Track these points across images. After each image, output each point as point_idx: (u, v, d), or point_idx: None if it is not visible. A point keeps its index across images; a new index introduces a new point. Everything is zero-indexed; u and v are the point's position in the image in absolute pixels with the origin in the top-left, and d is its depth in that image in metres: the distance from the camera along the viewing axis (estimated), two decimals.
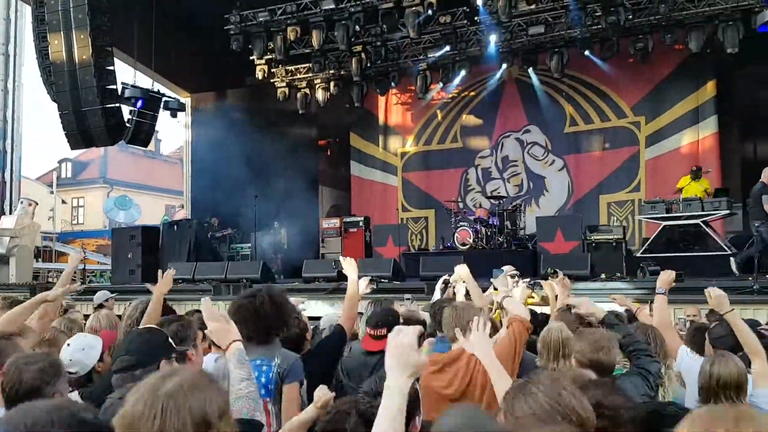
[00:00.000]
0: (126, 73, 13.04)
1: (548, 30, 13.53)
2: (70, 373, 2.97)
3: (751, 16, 11.57)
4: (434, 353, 3.53)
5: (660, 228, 11.19)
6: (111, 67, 11.83)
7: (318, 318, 5.34)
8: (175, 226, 14.47)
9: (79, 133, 11.87)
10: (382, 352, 3.21)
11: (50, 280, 19.21)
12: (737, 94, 14.01)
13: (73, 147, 12.64)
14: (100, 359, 3.23)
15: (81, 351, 3.16)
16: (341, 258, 4.55)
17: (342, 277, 10.48)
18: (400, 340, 1.85)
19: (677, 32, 12.98)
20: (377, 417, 1.74)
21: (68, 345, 3.19)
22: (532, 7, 12.52)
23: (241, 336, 2.44)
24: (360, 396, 2.19)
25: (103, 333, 3.65)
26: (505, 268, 6.35)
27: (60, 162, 36.15)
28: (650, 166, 14.62)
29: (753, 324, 4.06)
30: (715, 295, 3.55)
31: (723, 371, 2.95)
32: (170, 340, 2.56)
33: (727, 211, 10.88)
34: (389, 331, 3.23)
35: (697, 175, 11.71)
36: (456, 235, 12.83)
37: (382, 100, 17.34)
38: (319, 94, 15.99)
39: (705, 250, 10.71)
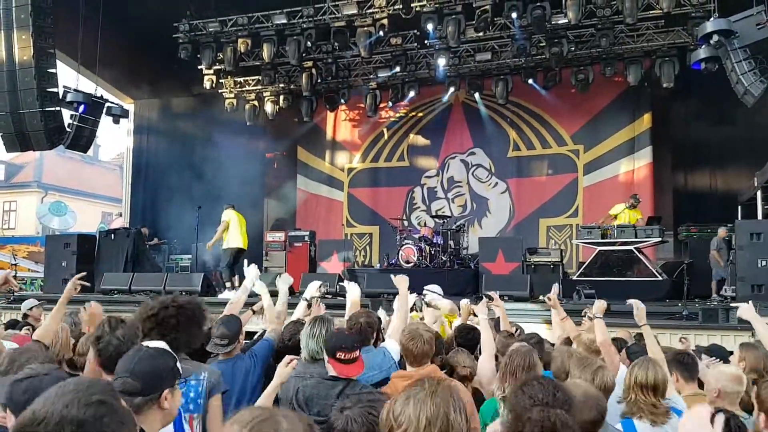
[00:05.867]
0: (69, 77, 12.69)
1: (494, 57, 13.97)
2: None
3: (686, 53, 12.16)
4: (402, 371, 3.61)
5: (595, 253, 11.57)
6: (53, 70, 11.46)
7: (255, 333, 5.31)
8: (112, 235, 14.08)
9: (16, 136, 11.42)
10: (348, 380, 3.19)
11: None
12: (671, 127, 14.68)
13: (9, 150, 12.17)
14: None
15: None
16: (392, 276, 4.71)
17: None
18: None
19: (617, 65, 13.62)
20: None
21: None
22: (480, 34, 12.84)
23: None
24: None
25: (18, 339, 3.51)
26: (433, 287, 6.58)
27: None
28: (587, 193, 15.14)
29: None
30: (639, 307, 4.19)
31: (640, 373, 3.25)
32: (178, 364, 2.38)
33: (659, 239, 11.35)
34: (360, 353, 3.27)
35: (634, 204, 12.14)
36: (400, 252, 12.96)
37: (330, 115, 17.41)
38: (268, 107, 15.96)
39: (637, 275, 11.15)
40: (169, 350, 2.47)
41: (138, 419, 2.10)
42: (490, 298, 5.31)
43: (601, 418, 2.58)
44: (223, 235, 11.90)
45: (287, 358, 2.86)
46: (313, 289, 5.08)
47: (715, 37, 8.58)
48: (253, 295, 4.97)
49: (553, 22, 12.08)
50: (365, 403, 2.12)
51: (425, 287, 6.53)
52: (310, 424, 1.58)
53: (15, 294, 12.57)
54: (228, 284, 11.61)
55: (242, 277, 11.15)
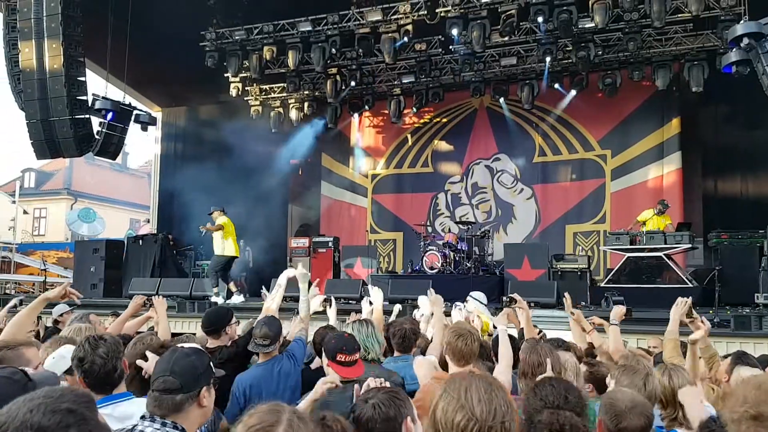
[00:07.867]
0: (97, 85, 12.89)
1: (520, 62, 13.88)
2: None
3: (716, 56, 11.99)
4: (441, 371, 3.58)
5: (624, 259, 11.39)
6: (82, 78, 11.65)
7: None
8: (140, 241, 14.27)
9: (47, 143, 11.62)
10: (354, 382, 3.15)
11: (7, 291, 18.69)
12: (701, 131, 14.43)
13: (40, 157, 12.37)
14: (69, 371, 3.15)
15: (52, 360, 3.08)
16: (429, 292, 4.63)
17: None
18: None
19: (645, 69, 13.43)
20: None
21: (54, 358, 3.08)
22: (505, 39, 12.76)
23: None
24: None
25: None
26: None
27: (23, 171, 35.32)
28: (615, 199, 14.91)
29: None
30: (680, 301, 4.05)
31: (682, 382, 3.10)
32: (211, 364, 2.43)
33: (689, 245, 11.14)
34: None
35: (662, 210, 11.93)
36: (425, 258, 12.90)
37: (354, 122, 17.44)
38: (293, 114, 16.06)
39: (667, 282, 10.95)
40: (203, 349, 2.48)
41: (178, 417, 2.15)
42: (514, 301, 4.94)
43: (648, 424, 2.52)
44: (222, 240, 11.71)
45: (326, 378, 2.76)
46: (316, 304, 5.01)
47: (746, 40, 8.40)
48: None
49: (579, 26, 11.96)
50: (388, 390, 2.09)
51: (470, 293, 6.26)
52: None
53: None
54: (215, 290, 11.49)
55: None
